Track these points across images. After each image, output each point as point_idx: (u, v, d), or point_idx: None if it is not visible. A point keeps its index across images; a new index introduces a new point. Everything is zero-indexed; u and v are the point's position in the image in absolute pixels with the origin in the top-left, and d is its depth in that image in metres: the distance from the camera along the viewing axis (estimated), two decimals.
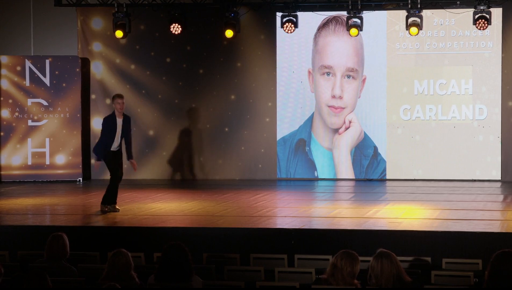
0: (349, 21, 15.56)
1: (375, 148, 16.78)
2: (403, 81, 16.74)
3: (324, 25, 16.85)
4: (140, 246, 9.91)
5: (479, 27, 15.16)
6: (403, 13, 15.71)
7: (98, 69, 17.46)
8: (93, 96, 17.44)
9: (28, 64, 16.87)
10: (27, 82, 16.87)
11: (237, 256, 9.25)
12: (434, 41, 16.57)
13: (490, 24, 15.25)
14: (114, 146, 12.40)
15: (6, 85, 16.88)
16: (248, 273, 8.36)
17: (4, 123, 16.89)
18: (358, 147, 16.82)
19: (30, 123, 16.88)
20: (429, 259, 9.12)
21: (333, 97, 16.79)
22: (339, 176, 16.84)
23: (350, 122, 16.77)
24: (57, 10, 17.01)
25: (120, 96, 12.52)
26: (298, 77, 17.01)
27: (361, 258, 6.83)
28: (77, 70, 17.02)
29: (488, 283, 6.29)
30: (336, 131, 16.85)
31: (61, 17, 17.43)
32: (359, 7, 15.51)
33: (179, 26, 15.82)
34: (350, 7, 15.52)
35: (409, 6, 15.38)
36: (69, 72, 16.95)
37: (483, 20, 15.06)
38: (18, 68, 16.89)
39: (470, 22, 15.46)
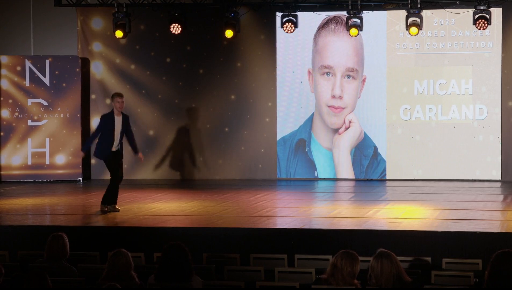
0: (349, 21, 15.56)
1: (375, 148, 16.78)
2: (403, 81, 16.75)
3: (324, 25, 16.86)
4: (140, 246, 9.91)
5: (479, 27, 15.16)
6: (403, 13, 15.71)
7: (98, 69, 17.46)
8: (93, 96, 17.44)
9: (28, 64, 16.87)
10: (27, 82, 16.87)
11: (237, 256, 9.25)
12: (434, 41, 16.57)
13: (490, 24, 15.25)
14: (115, 145, 12.40)
15: (6, 85, 16.89)
16: (248, 273, 8.36)
17: (4, 123, 16.89)
18: (358, 147, 16.82)
19: (30, 123, 16.88)
20: (429, 259, 9.12)
21: (333, 97, 16.79)
22: (339, 176, 16.84)
23: (350, 122, 16.77)
24: (57, 10, 17.01)
25: (120, 95, 12.51)
26: (298, 77, 17.01)
27: (361, 258, 6.83)
28: (77, 70, 17.02)
29: (488, 283, 6.29)
30: (336, 131, 16.85)
31: (61, 17, 17.43)
32: (359, 7, 15.52)
33: (179, 26, 15.82)
34: (350, 7, 15.52)
35: (409, 6, 15.38)
36: (69, 72, 16.95)
37: (483, 20, 15.07)
38: (18, 68, 16.90)
39: (470, 22, 15.46)
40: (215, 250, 10.03)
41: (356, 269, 6.70)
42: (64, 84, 16.92)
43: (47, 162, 16.89)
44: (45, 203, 13.81)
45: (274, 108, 17.13)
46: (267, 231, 10.74)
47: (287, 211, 12.70)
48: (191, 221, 11.81)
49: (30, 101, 16.86)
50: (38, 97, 16.86)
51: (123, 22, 15.84)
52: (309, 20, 16.73)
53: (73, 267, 8.10)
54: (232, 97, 17.30)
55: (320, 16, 16.71)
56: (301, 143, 17.00)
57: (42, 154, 16.88)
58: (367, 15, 15.93)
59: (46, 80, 16.89)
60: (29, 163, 16.89)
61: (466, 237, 10.03)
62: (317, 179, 16.90)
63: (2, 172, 16.92)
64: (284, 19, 15.77)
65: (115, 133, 12.34)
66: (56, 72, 16.91)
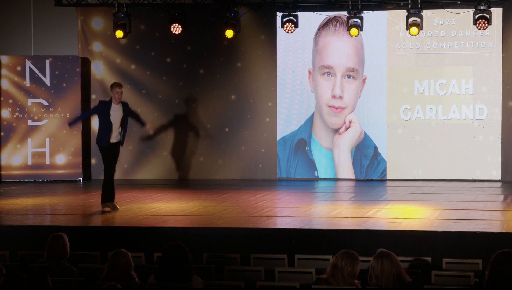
0: (350, 21, 15.56)
1: (375, 148, 16.78)
2: (403, 81, 16.74)
3: (325, 25, 16.85)
4: (140, 246, 9.91)
5: (479, 27, 15.16)
6: (403, 13, 15.72)
7: (98, 69, 17.46)
8: (93, 96, 17.43)
9: (28, 64, 16.87)
10: (27, 82, 16.87)
11: (237, 256, 9.25)
12: (434, 41, 16.57)
13: (491, 24, 15.25)
14: (114, 135, 12.29)
15: (6, 85, 16.89)
16: (248, 273, 8.36)
17: (4, 123, 16.89)
18: (358, 147, 16.82)
19: (30, 123, 16.88)
20: (429, 259, 9.12)
21: (334, 97, 16.79)
22: (339, 176, 16.84)
23: (350, 122, 16.77)
24: (57, 10, 17.01)
25: (119, 85, 12.41)
26: (298, 77, 17.00)
27: (361, 258, 6.83)
28: (78, 70, 17.02)
29: (488, 283, 6.30)
30: (336, 131, 16.85)
31: (61, 17, 17.43)
32: (359, 7, 15.51)
33: (179, 26, 15.83)
34: (350, 7, 15.52)
35: (409, 6, 15.38)
36: (70, 72, 16.95)
37: (483, 20, 15.07)
38: (18, 68, 16.90)
39: (470, 22, 15.47)
40: (215, 250, 10.03)
41: (356, 269, 6.70)
42: (64, 84, 16.92)
43: (47, 162, 16.89)
44: (45, 203, 13.81)
45: (275, 108, 17.13)
46: (267, 231, 10.74)
47: (287, 211, 12.70)
48: (191, 221, 11.80)
49: (30, 101, 16.86)
50: (38, 97, 16.86)
51: (123, 22, 15.84)
52: (309, 20, 16.73)
53: (73, 267, 8.10)
54: (233, 97, 17.31)
55: (320, 16, 16.71)
56: (301, 143, 17.00)
57: (42, 154, 16.88)
58: (367, 15, 15.93)
59: (47, 80, 16.89)
60: (29, 163, 16.89)
61: (466, 237, 10.03)
62: (317, 179, 16.90)
63: (2, 172, 16.92)
64: (285, 19, 15.77)
65: (112, 120, 12.23)
66: (57, 72, 16.91)
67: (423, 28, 15.50)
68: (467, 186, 15.73)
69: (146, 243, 10.40)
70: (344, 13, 16.01)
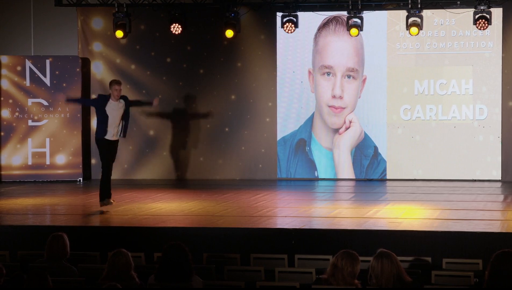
0: (350, 21, 15.56)
1: (375, 148, 16.78)
2: (403, 81, 16.74)
3: (325, 25, 16.85)
4: (140, 246, 9.91)
5: (479, 27, 15.16)
6: (403, 13, 15.72)
7: (98, 69, 17.46)
8: (93, 96, 17.43)
9: (28, 64, 16.87)
10: (27, 82, 16.87)
11: (237, 256, 9.25)
12: (434, 41, 16.57)
13: (491, 24, 15.25)
14: (113, 132, 12.27)
15: (6, 85, 16.89)
16: (248, 273, 8.36)
17: (4, 123, 16.89)
18: (358, 147, 16.82)
19: (30, 123, 16.88)
20: (429, 259, 9.12)
21: (334, 97, 16.79)
22: (339, 176, 16.84)
23: (350, 122, 16.77)
24: (57, 10, 17.01)
25: (117, 82, 12.42)
26: (298, 77, 17.01)
27: (361, 258, 6.83)
28: (78, 70, 17.02)
29: (488, 283, 6.29)
30: (336, 131, 16.85)
31: (61, 17, 17.42)
32: (360, 7, 15.51)
33: (179, 26, 15.83)
34: (350, 7, 15.52)
35: (409, 6, 15.38)
36: (70, 72, 16.95)
37: (483, 20, 15.07)
38: (19, 68, 16.90)
39: (470, 22, 15.47)
40: (215, 250, 10.03)
41: (356, 269, 6.70)
42: (64, 84, 16.92)
43: (47, 162, 16.89)
44: (45, 203, 13.81)
45: (275, 108, 17.13)
46: (267, 231, 10.74)
47: (287, 211, 12.70)
48: (191, 221, 11.80)
49: (30, 101, 16.86)
50: (38, 97, 16.86)
51: (123, 22, 15.84)
52: (309, 20, 16.73)
53: (73, 267, 8.10)
54: (233, 97, 17.30)
55: (320, 16, 16.71)
56: (301, 143, 17.00)
57: (42, 154, 16.88)
58: (367, 15, 15.93)
59: (47, 80, 16.89)
60: (29, 163, 16.89)
61: (466, 237, 10.03)
62: (317, 179, 16.90)
63: (2, 172, 16.92)
64: (285, 19, 15.77)
65: (109, 115, 12.21)
66: (57, 72, 16.91)
67: (423, 28, 15.50)
68: (467, 186, 15.73)
69: (146, 243, 10.40)
70: (344, 13, 16.01)
